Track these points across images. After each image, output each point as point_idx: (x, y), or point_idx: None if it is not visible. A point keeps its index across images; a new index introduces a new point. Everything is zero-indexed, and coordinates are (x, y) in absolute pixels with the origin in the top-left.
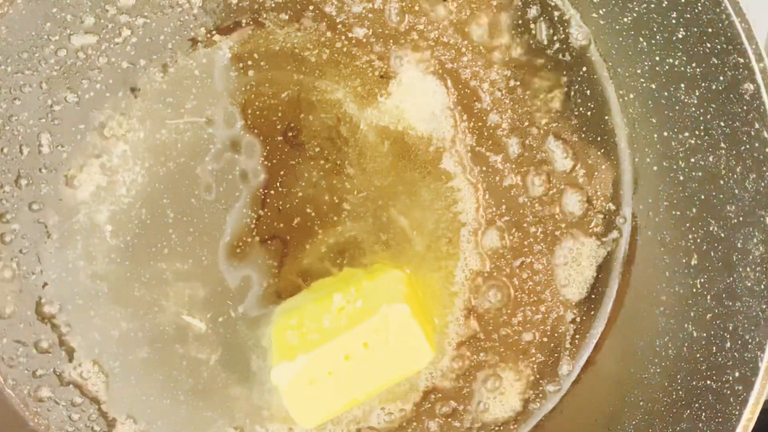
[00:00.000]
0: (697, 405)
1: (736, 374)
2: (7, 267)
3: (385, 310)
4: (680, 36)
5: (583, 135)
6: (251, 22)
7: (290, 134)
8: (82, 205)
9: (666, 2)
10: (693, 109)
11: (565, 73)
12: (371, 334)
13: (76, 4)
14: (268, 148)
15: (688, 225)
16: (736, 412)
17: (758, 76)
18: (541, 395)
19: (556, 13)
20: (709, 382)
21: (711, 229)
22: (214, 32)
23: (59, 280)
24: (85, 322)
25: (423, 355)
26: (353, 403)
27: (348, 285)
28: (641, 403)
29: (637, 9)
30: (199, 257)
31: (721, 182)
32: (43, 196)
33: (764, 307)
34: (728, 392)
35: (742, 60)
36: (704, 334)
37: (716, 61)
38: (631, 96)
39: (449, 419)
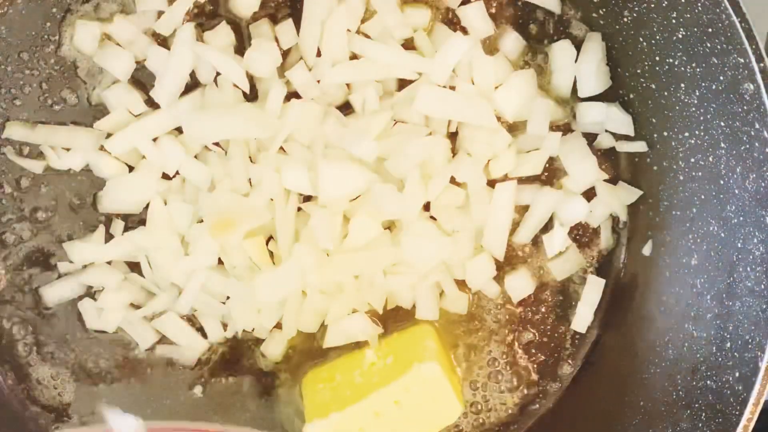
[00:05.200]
0: (697, 405)
1: (736, 374)
2: (8, 267)
3: (417, 369)
4: (680, 36)
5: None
6: None
7: None
8: (82, 204)
9: (666, 2)
10: (693, 109)
11: None
12: (402, 392)
13: (77, 4)
14: None
15: (688, 225)
16: (736, 412)
17: (758, 76)
18: (541, 395)
19: (556, 13)
20: (709, 382)
21: (711, 229)
22: None
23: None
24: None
25: (452, 412)
26: None
27: (378, 338)
28: (641, 403)
29: (637, 9)
30: None
31: (721, 182)
32: (43, 195)
33: (764, 307)
34: (728, 392)
35: (742, 60)
36: (704, 334)
37: (716, 61)
38: (631, 96)
39: None
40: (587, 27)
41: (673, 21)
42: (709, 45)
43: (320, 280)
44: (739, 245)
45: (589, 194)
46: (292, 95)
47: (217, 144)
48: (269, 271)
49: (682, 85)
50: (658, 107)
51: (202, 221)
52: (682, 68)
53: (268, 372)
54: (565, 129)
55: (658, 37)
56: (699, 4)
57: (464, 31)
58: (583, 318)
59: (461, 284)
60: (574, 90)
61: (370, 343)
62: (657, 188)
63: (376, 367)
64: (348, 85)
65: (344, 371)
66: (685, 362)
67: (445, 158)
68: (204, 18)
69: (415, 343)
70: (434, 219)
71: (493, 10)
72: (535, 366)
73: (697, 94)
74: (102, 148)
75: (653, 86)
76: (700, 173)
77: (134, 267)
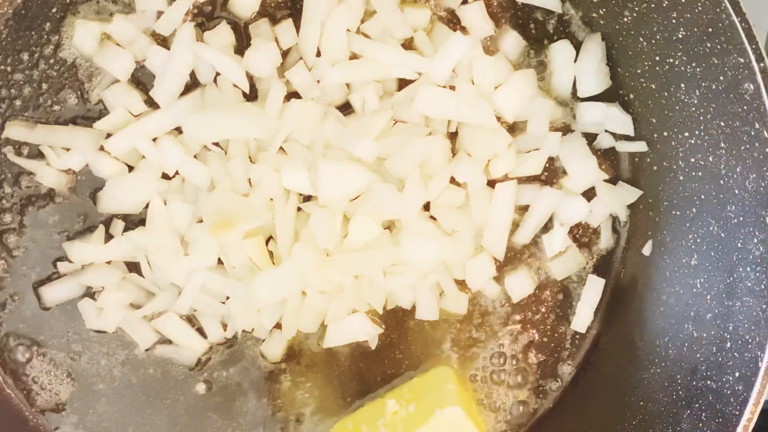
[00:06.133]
0: (697, 405)
1: (736, 374)
2: (8, 266)
3: (440, 415)
4: (680, 36)
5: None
6: None
7: None
8: (82, 204)
9: (666, 2)
10: (693, 109)
11: None
12: None
13: (77, 4)
14: None
15: (688, 225)
16: (736, 412)
17: (758, 76)
18: (541, 395)
19: (556, 13)
20: (709, 382)
21: (711, 229)
22: None
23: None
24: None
25: None
26: None
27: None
28: (641, 403)
29: (637, 9)
30: None
31: (721, 182)
32: (42, 195)
33: (764, 307)
34: (728, 392)
35: (742, 60)
36: (704, 334)
37: (716, 61)
38: (631, 96)
39: None
40: (587, 27)
41: (673, 21)
42: (709, 45)
43: (320, 280)
44: (739, 245)
45: (589, 194)
46: (292, 95)
47: (217, 144)
48: (269, 271)
49: (682, 85)
50: (658, 107)
51: (202, 221)
52: (682, 68)
53: (268, 372)
54: (565, 129)
55: (658, 37)
56: (699, 4)
57: (464, 31)
58: (583, 318)
59: (461, 284)
60: (574, 90)
61: (370, 343)
62: (657, 188)
63: (398, 415)
64: (348, 85)
65: (369, 421)
66: (685, 362)
67: (445, 158)
68: (204, 18)
69: (435, 388)
70: (434, 219)
71: (493, 10)
72: (535, 366)
73: (697, 94)
74: (102, 148)
75: (653, 86)
76: (700, 173)
77: (134, 267)
